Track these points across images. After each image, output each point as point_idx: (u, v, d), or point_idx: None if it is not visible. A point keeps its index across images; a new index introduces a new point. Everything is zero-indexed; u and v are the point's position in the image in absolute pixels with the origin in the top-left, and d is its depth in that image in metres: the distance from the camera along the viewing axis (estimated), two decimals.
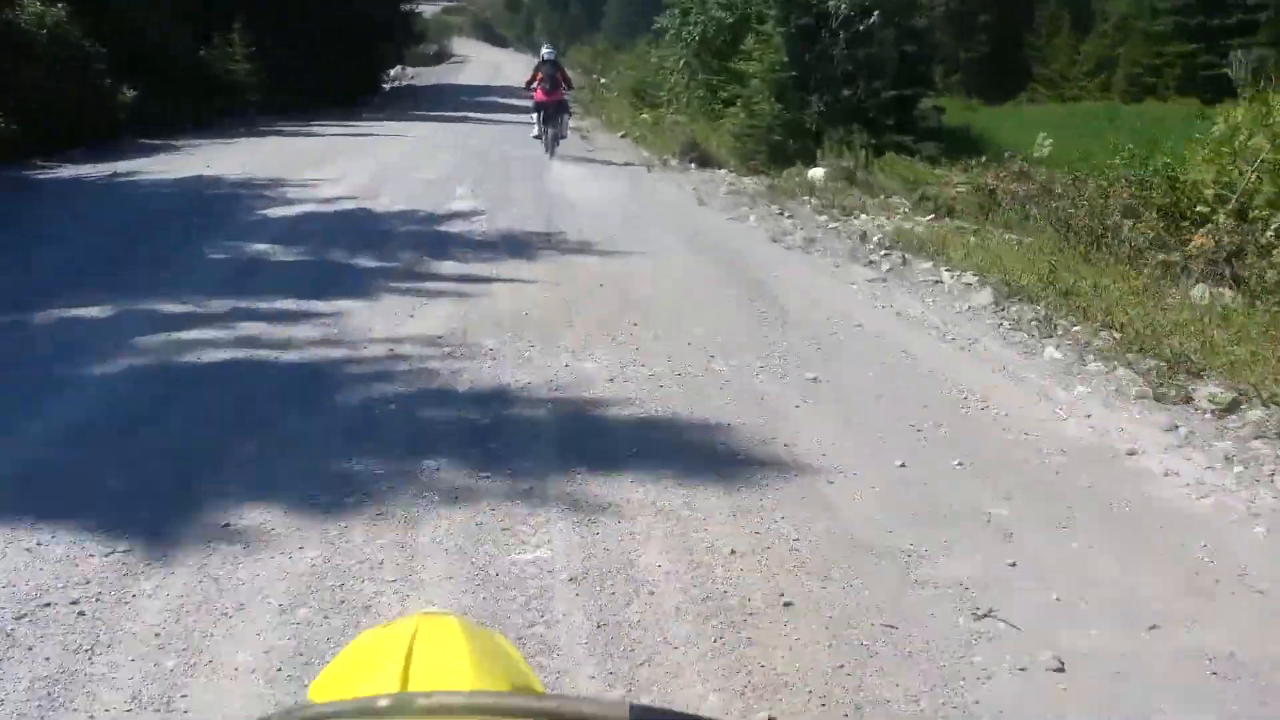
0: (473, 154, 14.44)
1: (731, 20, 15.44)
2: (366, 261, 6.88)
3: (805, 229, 8.21)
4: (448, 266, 6.79)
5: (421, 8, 47.81)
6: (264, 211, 8.76)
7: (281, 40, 23.40)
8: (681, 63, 16.62)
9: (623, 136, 19.57)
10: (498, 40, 69.12)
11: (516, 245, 7.50)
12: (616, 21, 73.14)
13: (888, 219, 8.43)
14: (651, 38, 24.81)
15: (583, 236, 7.86)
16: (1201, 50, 32.49)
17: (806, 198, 9.52)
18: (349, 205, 9.13)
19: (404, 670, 0.78)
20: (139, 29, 16.77)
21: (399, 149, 15.04)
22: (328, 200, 9.36)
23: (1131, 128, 22.82)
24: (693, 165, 13.49)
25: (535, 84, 12.60)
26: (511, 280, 6.39)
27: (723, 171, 13.31)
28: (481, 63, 49.65)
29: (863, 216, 8.54)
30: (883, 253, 7.15)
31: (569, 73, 13.83)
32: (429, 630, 0.87)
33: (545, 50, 13.45)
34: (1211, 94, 31.61)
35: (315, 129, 19.22)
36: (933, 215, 8.91)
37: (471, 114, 25.11)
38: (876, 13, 13.91)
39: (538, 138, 12.89)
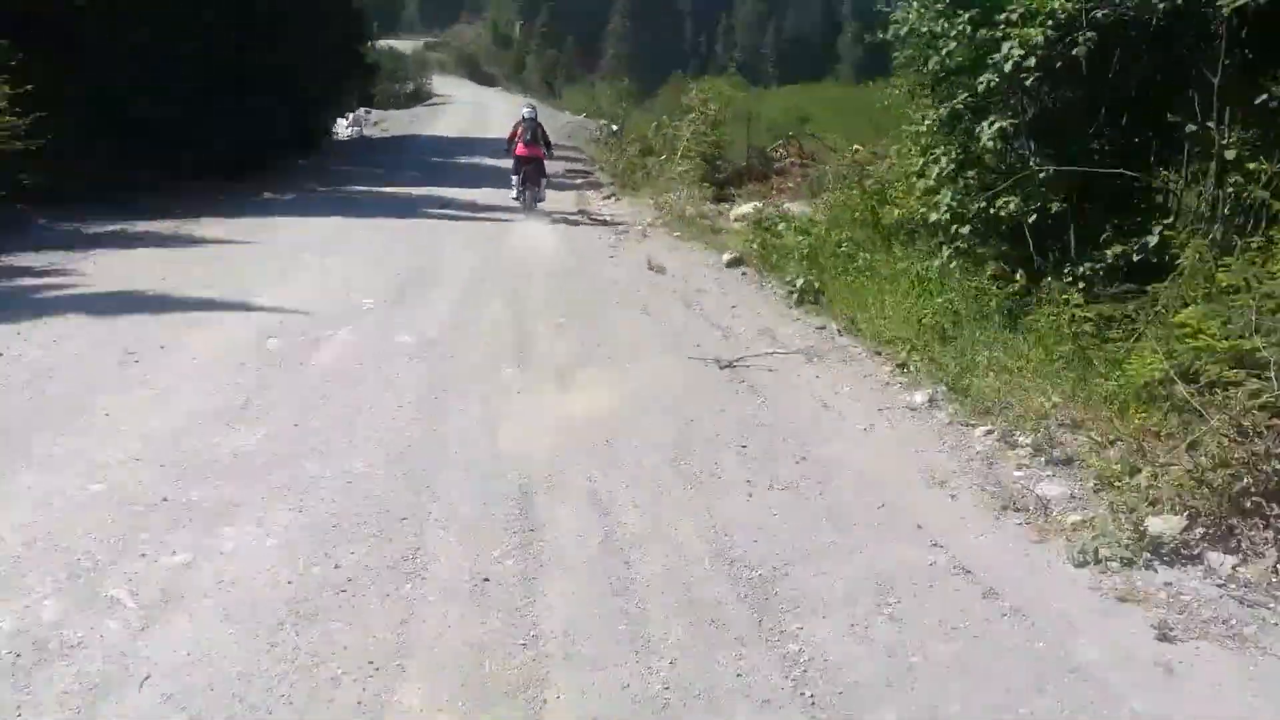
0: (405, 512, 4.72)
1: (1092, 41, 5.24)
2: None
3: None
4: None
5: (391, 43, 38.65)
6: None
7: (103, 72, 13.12)
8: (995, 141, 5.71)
9: (733, 264, 9.91)
10: (484, 79, 60.09)
11: None
12: (624, 55, 64.75)
13: None
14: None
15: None
16: None
17: None
18: None
19: None
20: None
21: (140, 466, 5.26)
22: None
23: None
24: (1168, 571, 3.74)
25: (516, 139, 12.82)
26: None
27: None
28: (464, 104, 40.08)
29: None
30: None
31: (549, 136, 13.64)
32: None
33: (525, 110, 13.63)
34: None
35: (77, 279, 8.13)
36: None
37: (438, 191, 15.43)
38: None
39: (517, 199, 12.98)
